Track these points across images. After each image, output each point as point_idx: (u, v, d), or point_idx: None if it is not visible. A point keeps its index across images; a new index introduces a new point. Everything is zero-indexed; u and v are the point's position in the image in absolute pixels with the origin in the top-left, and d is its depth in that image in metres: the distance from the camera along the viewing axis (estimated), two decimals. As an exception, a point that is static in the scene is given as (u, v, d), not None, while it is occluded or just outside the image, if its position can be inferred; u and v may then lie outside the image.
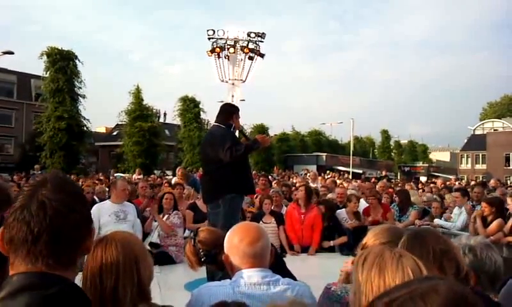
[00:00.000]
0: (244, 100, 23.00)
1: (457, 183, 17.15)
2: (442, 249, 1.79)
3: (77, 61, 30.39)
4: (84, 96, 31.00)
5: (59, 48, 29.76)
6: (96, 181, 12.43)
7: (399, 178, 36.62)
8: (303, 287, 2.08)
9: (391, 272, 1.31)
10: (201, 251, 2.86)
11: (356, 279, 1.37)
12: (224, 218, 5.03)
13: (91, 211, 5.66)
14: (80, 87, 30.80)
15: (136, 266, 1.77)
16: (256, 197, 7.90)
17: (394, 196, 8.97)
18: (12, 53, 23.80)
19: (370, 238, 2.18)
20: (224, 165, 4.90)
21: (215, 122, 5.34)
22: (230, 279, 2.07)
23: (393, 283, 1.26)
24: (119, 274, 1.72)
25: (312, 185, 11.95)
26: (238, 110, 5.47)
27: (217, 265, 2.76)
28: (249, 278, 1.99)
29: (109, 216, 5.57)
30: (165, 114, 45.10)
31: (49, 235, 1.05)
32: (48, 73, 29.60)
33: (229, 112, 5.29)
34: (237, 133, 5.60)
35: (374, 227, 2.57)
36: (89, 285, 1.72)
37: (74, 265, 1.14)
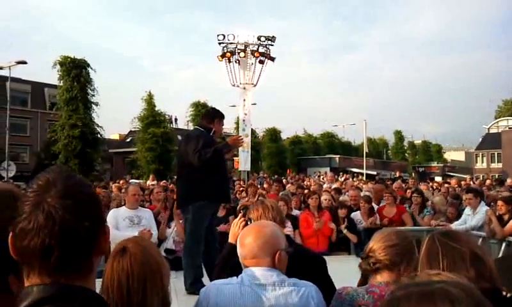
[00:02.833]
0: (255, 104, 23.09)
1: (471, 182, 16.86)
2: (477, 252, 1.75)
3: (89, 68, 30.85)
4: (97, 104, 31.54)
5: (72, 57, 30.19)
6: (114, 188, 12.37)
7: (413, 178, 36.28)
8: (309, 287, 2.02)
9: None
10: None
11: None
12: (190, 226, 4.81)
13: (107, 217, 5.73)
14: (94, 95, 31.33)
15: (159, 273, 1.73)
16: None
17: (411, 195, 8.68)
18: (25, 63, 24.00)
19: (376, 242, 2.14)
20: (196, 169, 4.66)
21: (196, 125, 5.24)
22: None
23: None
24: (146, 283, 1.67)
25: (326, 185, 11.90)
26: (222, 115, 5.24)
27: None
28: (254, 278, 1.98)
29: (123, 220, 5.61)
30: (176, 120, 45.35)
31: (61, 245, 1.01)
32: (62, 82, 30.02)
33: (211, 116, 5.12)
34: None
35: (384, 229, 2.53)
36: (114, 297, 1.65)
37: (92, 271, 1.10)
